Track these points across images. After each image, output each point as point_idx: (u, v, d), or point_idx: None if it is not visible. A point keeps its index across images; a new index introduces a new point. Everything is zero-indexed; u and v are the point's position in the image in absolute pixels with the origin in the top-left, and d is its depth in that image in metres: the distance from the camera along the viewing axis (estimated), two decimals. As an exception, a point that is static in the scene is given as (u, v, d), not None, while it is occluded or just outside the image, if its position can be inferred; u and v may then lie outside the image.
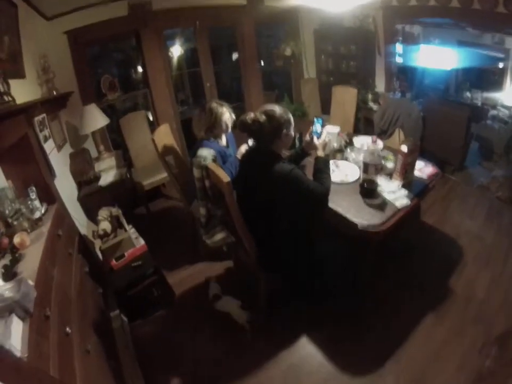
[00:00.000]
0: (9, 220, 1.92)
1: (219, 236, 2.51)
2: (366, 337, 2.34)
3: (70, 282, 1.96)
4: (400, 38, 5.13)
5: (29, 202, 2.07)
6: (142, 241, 2.72)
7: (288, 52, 5.30)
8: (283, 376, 2.16)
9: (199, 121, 2.62)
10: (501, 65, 4.66)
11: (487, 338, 2.19)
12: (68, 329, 1.57)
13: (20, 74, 2.62)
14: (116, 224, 2.78)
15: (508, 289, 2.58)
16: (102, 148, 3.86)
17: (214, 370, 2.23)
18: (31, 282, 1.49)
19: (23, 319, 1.34)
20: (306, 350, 2.32)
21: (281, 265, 2.25)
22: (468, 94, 5.08)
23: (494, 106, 4.59)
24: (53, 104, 3.15)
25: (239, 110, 5.07)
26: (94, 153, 3.84)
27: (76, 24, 3.45)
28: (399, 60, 5.12)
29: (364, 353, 2.24)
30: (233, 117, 2.66)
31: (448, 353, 2.17)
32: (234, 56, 5.47)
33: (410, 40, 5.23)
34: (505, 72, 4.66)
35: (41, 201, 2.19)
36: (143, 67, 4.34)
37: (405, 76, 5.14)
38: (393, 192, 2.31)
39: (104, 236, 2.64)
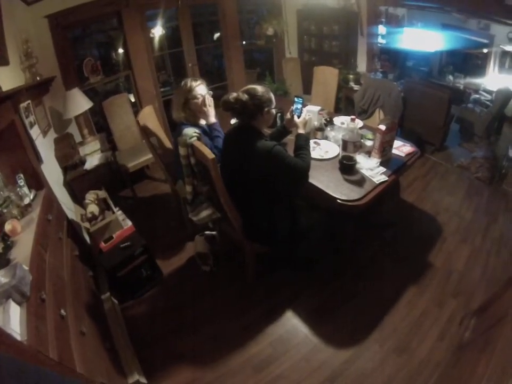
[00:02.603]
0: (-1, 209, 1.92)
1: (205, 213, 2.51)
2: (349, 307, 2.45)
3: (62, 266, 1.99)
4: (384, 20, 5.15)
5: (18, 189, 2.07)
6: (129, 223, 2.76)
7: (270, 31, 5.24)
8: (271, 349, 2.24)
9: (175, 102, 2.60)
10: (485, 50, 4.74)
11: (467, 309, 2.31)
12: (62, 311, 1.60)
13: (4, 61, 2.57)
14: (104, 206, 2.81)
15: (486, 263, 2.72)
16: (85, 131, 3.83)
17: (204, 346, 2.30)
18: (25, 267, 1.52)
19: (19, 304, 1.37)
20: (292, 322, 2.41)
21: (266, 236, 2.35)
22: (451, 77, 5.16)
23: (476, 91, 4.69)
24: (37, 89, 3.11)
25: (221, 89, 5.07)
26: (77, 137, 3.80)
27: (56, 8, 3.37)
28: (381, 41, 5.14)
29: (348, 323, 2.35)
30: (211, 92, 2.63)
31: (429, 323, 2.30)
32: (216, 35, 5.40)
33: (394, 21, 5.24)
34: (488, 58, 4.73)
35: (29, 188, 2.20)
36: (125, 48, 4.27)
37: (388, 57, 5.18)
38: (372, 169, 2.39)
39: (92, 218, 2.67)
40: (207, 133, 2.57)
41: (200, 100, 2.54)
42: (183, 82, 2.57)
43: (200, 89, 2.55)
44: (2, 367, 0.94)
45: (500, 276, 2.53)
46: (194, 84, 2.53)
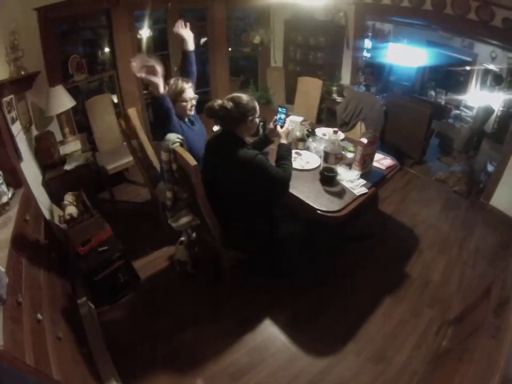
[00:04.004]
0: (-24, 206, 1.86)
1: (184, 220, 2.49)
2: (326, 317, 2.48)
3: (39, 268, 1.94)
4: (370, 34, 5.26)
5: (-4, 187, 2.02)
6: (107, 226, 2.71)
7: (257, 39, 5.29)
8: (248, 358, 2.23)
9: None
10: (467, 68, 4.90)
11: (443, 319, 2.37)
12: (39, 315, 1.56)
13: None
14: (82, 208, 2.76)
15: (462, 274, 2.81)
16: (67, 130, 3.74)
17: (181, 353, 2.27)
18: (2, 269, 1.47)
19: (-5, 307, 1.33)
20: (269, 331, 2.41)
21: (244, 244, 2.37)
22: (432, 93, 5.31)
23: (457, 106, 4.83)
24: (21, 84, 3.02)
25: (204, 95, 5.07)
26: (58, 136, 3.70)
27: (47, 1, 3.29)
28: (367, 54, 5.24)
29: (325, 332, 2.37)
30: (196, 97, 2.59)
31: (406, 333, 2.35)
32: (203, 40, 5.40)
33: (380, 36, 5.37)
34: (471, 75, 4.89)
35: (7, 186, 2.13)
36: (111, 47, 4.23)
37: (372, 71, 5.27)
38: (352, 181, 2.43)
39: (70, 220, 2.62)
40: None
41: (188, 104, 2.52)
42: (173, 81, 2.50)
43: (190, 92, 2.52)
44: None
45: (476, 287, 2.59)
46: (186, 85, 2.49)
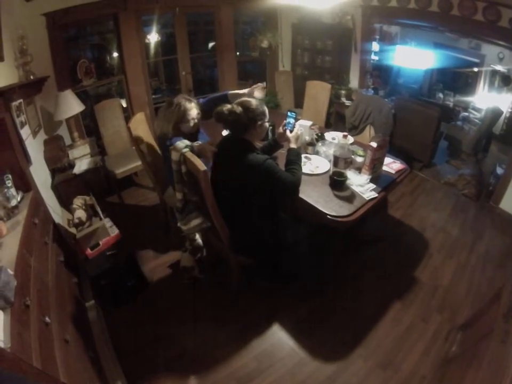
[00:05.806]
0: (-15, 209, 1.87)
1: (195, 222, 2.46)
2: (334, 321, 2.46)
3: (47, 271, 1.95)
4: (377, 37, 5.24)
5: (5, 190, 2.02)
6: (116, 230, 2.71)
7: (265, 43, 5.29)
8: (257, 362, 2.22)
9: (164, 117, 2.55)
10: (475, 69, 4.86)
11: (453, 324, 2.34)
12: (47, 318, 1.56)
13: (-1, 57, 2.54)
14: (91, 212, 2.76)
15: (472, 279, 2.77)
16: (76, 134, 3.77)
17: (188, 357, 2.26)
18: (10, 271, 1.48)
19: (3, 309, 1.33)
20: (277, 335, 2.39)
21: (251, 249, 2.35)
22: (440, 95, 5.28)
23: (465, 109, 4.79)
24: (30, 88, 3.05)
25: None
26: (67, 139, 3.75)
27: (55, 6, 3.33)
28: (374, 57, 5.22)
29: (333, 337, 2.34)
30: (200, 113, 2.62)
31: (415, 338, 2.32)
32: (211, 44, 5.44)
33: (387, 39, 5.35)
34: (479, 77, 4.86)
35: (16, 189, 2.15)
36: (120, 52, 4.27)
37: (379, 74, 5.25)
38: (362, 185, 2.40)
39: (79, 224, 2.62)
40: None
41: (191, 123, 2.54)
42: (175, 103, 2.52)
43: (193, 113, 2.54)
44: None
45: (485, 292, 2.58)
46: (188, 105, 2.50)
